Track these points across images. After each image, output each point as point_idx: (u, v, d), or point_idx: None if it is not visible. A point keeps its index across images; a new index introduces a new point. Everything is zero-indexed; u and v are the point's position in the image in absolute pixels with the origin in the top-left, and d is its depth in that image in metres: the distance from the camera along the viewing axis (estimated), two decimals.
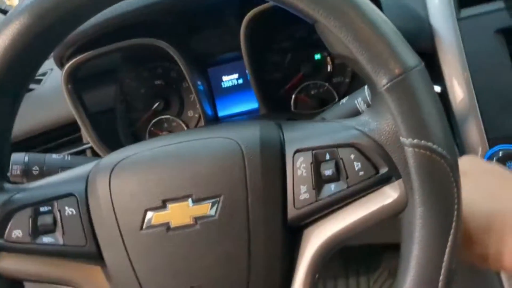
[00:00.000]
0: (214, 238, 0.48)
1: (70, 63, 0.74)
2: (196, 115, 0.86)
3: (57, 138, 0.83)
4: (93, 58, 0.75)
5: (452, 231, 0.41)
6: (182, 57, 0.75)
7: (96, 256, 0.51)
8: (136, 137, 0.87)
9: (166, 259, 0.49)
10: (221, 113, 0.86)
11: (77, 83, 0.77)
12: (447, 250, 0.41)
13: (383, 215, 0.45)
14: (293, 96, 0.82)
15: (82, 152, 0.83)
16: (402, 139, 0.42)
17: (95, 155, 0.82)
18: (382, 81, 0.41)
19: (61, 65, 0.76)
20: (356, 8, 0.42)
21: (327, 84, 0.82)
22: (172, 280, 0.49)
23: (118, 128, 0.87)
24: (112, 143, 0.83)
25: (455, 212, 0.41)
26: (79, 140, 0.84)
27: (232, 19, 0.78)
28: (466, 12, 0.70)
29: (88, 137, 0.79)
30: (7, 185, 0.52)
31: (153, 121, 0.86)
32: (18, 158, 0.65)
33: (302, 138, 0.48)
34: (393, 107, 0.41)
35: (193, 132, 0.53)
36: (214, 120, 0.85)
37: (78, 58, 0.74)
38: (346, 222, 0.47)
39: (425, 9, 0.73)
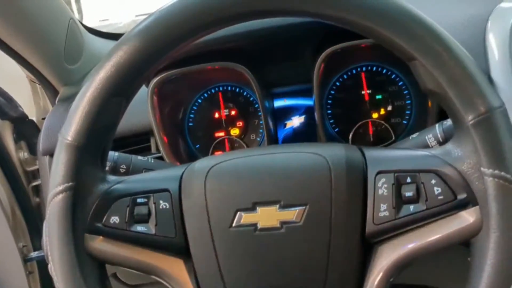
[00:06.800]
0: (296, 243, 0.52)
1: (157, 78, 0.81)
2: (258, 139, 0.92)
3: (129, 145, 0.89)
4: (177, 76, 0.82)
5: None
6: (256, 82, 0.81)
7: (182, 249, 0.55)
8: (200, 153, 0.93)
9: (250, 257, 0.53)
10: (281, 140, 0.92)
11: (160, 98, 0.84)
12: None
13: (457, 238, 0.49)
14: (352, 132, 0.88)
15: None
16: (483, 169, 0.46)
17: None
18: (469, 117, 0.46)
19: (147, 80, 0.83)
20: (450, 49, 0.47)
21: (385, 123, 0.87)
22: (253, 277, 0.53)
23: (183, 143, 0.93)
24: (177, 155, 0.89)
25: None
26: (147, 149, 0.90)
27: (307, 54, 0.85)
28: None
29: (161, 147, 0.85)
30: (109, 176, 0.57)
31: (217, 140, 0.93)
32: (110, 155, 0.70)
33: (384, 161, 0.53)
34: (477, 140, 0.46)
35: (283, 146, 0.59)
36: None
37: (164, 75, 0.81)
38: (420, 242, 0.51)
39: (487, 64, 0.79)
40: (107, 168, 0.70)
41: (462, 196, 0.49)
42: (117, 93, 0.52)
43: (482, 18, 0.83)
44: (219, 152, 0.93)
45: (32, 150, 1.14)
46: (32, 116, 1.16)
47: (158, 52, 0.51)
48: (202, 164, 0.57)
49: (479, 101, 0.46)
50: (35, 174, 1.17)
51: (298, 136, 0.91)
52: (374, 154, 0.55)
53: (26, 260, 1.11)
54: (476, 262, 0.48)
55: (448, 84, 0.47)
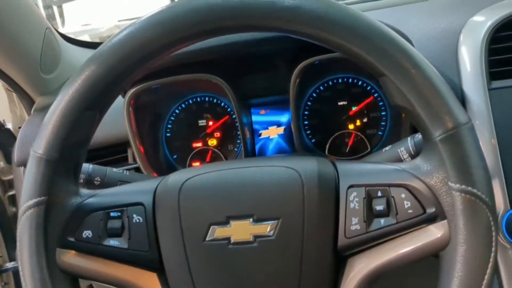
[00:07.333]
0: (269, 256, 0.53)
1: (133, 90, 0.81)
2: (235, 149, 0.93)
3: (105, 155, 0.89)
4: (154, 87, 0.82)
5: (488, 270, 0.46)
6: (233, 94, 0.82)
7: (155, 263, 0.55)
8: (177, 163, 0.93)
9: (223, 271, 0.53)
10: (258, 150, 0.93)
11: (136, 109, 0.84)
12: (484, 285, 0.46)
13: (426, 251, 0.50)
14: (328, 143, 0.89)
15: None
16: (451, 184, 0.47)
17: None
18: (437, 132, 0.47)
19: (124, 91, 0.83)
20: (418, 66, 0.48)
21: (361, 134, 0.88)
22: None
23: (161, 153, 0.93)
24: (154, 166, 0.88)
25: (492, 253, 0.46)
26: (124, 160, 0.90)
27: (283, 66, 0.86)
28: (497, 83, 0.77)
29: (137, 157, 0.85)
30: (82, 190, 0.57)
31: (195, 151, 0.93)
32: (84, 168, 0.70)
33: (356, 175, 0.54)
34: (445, 156, 0.47)
35: (256, 160, 0.59)
36: (252, 156, 0.91)
37: (140, 86, 0.81)
38: (390, 255, 0.51)
39: (459, 76, 0.80)
40: (81, 180, 0.69)
41: (431, 210, 0.50)
42: (90, 107, 0.52)
43: (455, 31, 0.84)
44: (197, 162, 0.93)
45: (9, 159, 1.13)
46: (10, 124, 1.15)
47: (132, 66, 0.51)
48: (175, 178, 0.57)
49: (447, 117, 0.47)
50: (11, 184, 1.15)
51: (275, 147, 0.92)
52: (346, 168, 0.55)
53: (1, 270, 1.10)
54: (444, 274, 0.49)
55: (417, 100, 0.48)
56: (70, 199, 0.55)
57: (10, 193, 1.15)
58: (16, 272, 1.12)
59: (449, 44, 0.84)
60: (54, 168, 0.52)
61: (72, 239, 0.55)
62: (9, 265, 1.10)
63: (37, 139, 0.53)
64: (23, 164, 0.88)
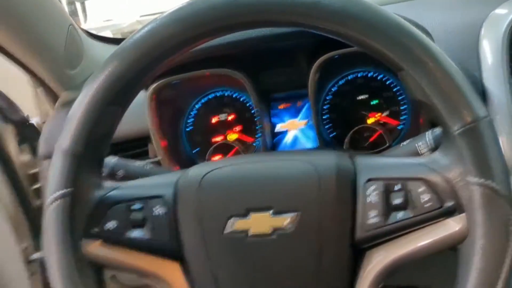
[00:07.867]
0: (287, 249, 0.53)
1: (155, 84, 0.83)
2: (255, 144, 0.94)
3: (127, 149, 0.91)
4: (175, 82, 0.84)
5: (507, 263, 0.46)
6: (253, 88, 0.83)
7: (177, 253, 0.57)
8: (198, 157, 0.95)
9: (242, 262, 0.54)
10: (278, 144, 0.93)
11: (158, 103, 0.85)
12: (502, 278, 0.46)
13: (443, 244, 0.50)
14: (348, 137, 0.89)
15: None
16: (469, 178, 0.47)
17: None
18: (456, 126, 0.47)
19: (145, 86, 0.84)
20: (437, 60, 0.48)
21: (380, 128, 0.88)
22: (246, 283, 0.54)
23: (181, 148, 0.95)
24: (175, 160, 0.90)
25: (511, 246, 0.46)
26: (145, 154, 0.92)
27: (303, 60, 0.86)
28: None
29: (158, 152, 0.87)
30: (105, 183, 0.59)
31: (215, 145, 0.94)
32: (107, 161, 0.72)
33: (374, 168, 0.54)
34: (463, 149, 0.47)
35: (276, 154, 0.60)
36: (271, 150, 0.91)
37: (162, 81, 0.82)
38: (408, 248, 0.52)
39: (479, 70, 0.80)
40: (104, 173, 0.71)
41: (449, 203, 0.50)
42: (113, 102, 0.54)
43: (476, 25, 0.83)
44: (217, 156, 0.95)
45: (35, 153, 1.16)
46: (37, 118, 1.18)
47: (153, 62, 0.52)
48: (196, 171, 0.58)
49: (465, 111, 0.47)
50: (36, 177, 1.18)
51: (294, 141, 0.92)
52: (364, 161, 0.56)
53: (29, 261, 1.13)
54: (463, 268, 0.49)
55: (435, 94, 0.48)
56: (94, 192, 0.57)
57: (35, 186, 1.18)
58: (42, 262, 1.15)
59: (470, 38, 0.83)
60: (79, 161, 0.54)
61: (96, 230, 0.56)
62: (36, 255, 1.12)
63: (63, 134, 0.54)
64: (48, 157, 0.90)
